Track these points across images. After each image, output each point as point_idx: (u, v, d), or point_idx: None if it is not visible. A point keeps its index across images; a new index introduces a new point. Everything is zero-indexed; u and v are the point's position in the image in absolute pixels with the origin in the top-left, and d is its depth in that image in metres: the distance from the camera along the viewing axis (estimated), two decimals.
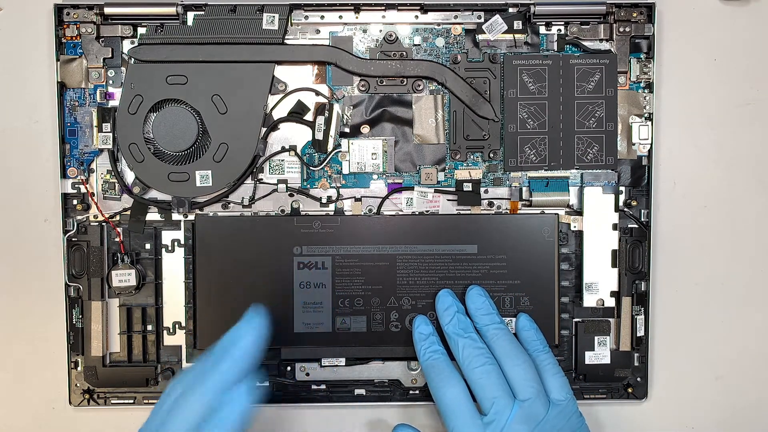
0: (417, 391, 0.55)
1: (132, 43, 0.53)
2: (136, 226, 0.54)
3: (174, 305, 0.54)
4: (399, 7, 0.53)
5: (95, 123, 0.53)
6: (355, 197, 0.54)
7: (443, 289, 0.53)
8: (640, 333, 0.54)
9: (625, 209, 0.54)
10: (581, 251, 0.54)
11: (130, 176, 0.54)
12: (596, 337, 0.55)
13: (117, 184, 0.53)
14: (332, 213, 0.54)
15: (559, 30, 0.54)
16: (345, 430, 0.55)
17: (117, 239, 0.54)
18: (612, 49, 0.54)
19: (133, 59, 0.53)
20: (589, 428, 0.50)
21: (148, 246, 0.54)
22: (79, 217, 0.53)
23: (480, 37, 0.54)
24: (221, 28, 0.52)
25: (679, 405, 0.56)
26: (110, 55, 0.53)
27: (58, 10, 0.52)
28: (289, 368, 0.54)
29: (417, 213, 0.54)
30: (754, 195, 0.56)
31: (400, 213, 0.54)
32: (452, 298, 0.52)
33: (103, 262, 0.54)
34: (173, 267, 0.54)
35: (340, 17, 0.54)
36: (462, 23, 0.54)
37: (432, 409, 0.55)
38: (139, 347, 0.54)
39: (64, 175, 0.53)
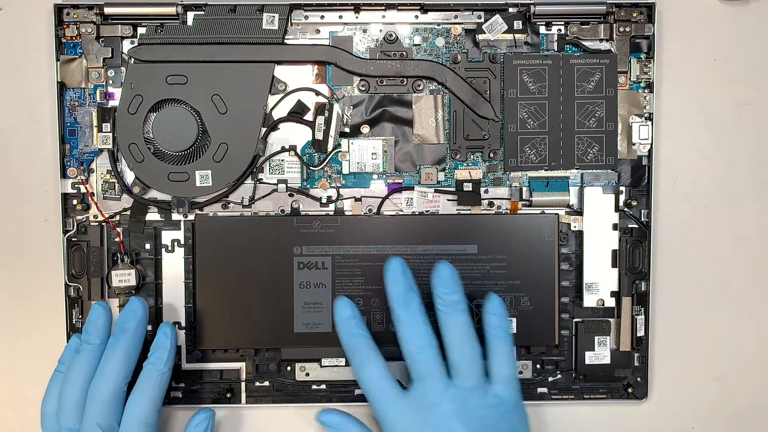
0: None
1: (132, 43, 0.53)
2: (136, 226, 0.54)
3: (174, 305, 0.54)
4: (399, 7, 0.53)
5: (95, 123, 0.53)
6: (355, 197, 0.54)
7: (395, 257, 0.50)
8: (640, 333, 0.54)
9: (625, 209, 0.54)
10: (581, 251, 0.54)
11: (130, 176, 0.54)
12: (596, 337, 0.55)
13: (117, 184, 0.53)
14: (332, 213, 0.54)
15: (559, 30, 0.54)
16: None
17: (117, 239, 0.54)
18: (612, 49, 0.54)
19: (133, 59, 0.53)
20: (530, 428, 0.49)
21: (148, 246, 0.54)
22: (79, 217, 0.53)
23: (480, 37, 0.54)
24: (221, 28, 0.52)
25: (679, 405, 0.56)
26: (110, 55, 0.53)
27: (58, 10, 0.52)
28: (289, 368, 0.54)
29: (417, 213, 0.54)
30: (754, 195, 0.56)
31: (400, 213, 0.54)
32: (404, 274, 0.49)
33: (103, 262, 0.53)
34: (173, 267, 0.54)
35: (340, 17, 0.54)
36: (462, 23, 0.54)
37: None
38: None
39: (64, 175, 0.53)
